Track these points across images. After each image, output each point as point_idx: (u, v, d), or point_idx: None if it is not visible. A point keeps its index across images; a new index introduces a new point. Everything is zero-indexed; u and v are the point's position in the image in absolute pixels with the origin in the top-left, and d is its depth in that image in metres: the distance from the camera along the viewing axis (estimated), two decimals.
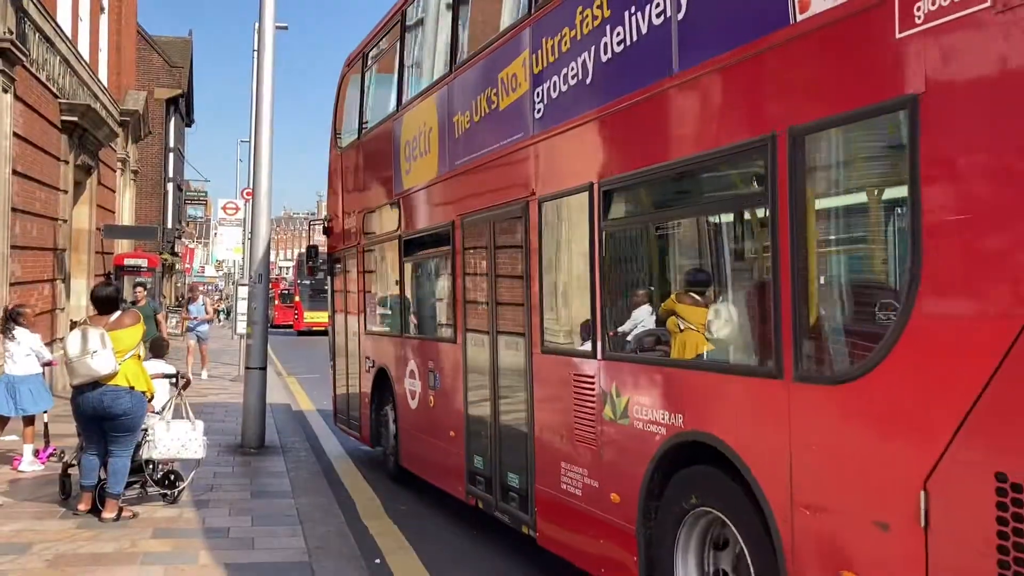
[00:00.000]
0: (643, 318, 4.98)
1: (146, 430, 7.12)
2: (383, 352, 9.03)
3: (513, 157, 6.01)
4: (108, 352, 6.54)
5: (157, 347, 8.21)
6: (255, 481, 8.20)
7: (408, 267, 8.37)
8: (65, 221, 15.22)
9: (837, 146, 3.58)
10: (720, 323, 4.41)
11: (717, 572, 4.25)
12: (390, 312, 9.03)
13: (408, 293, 8.45)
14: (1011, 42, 2.74)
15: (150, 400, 7.11)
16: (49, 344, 13.31)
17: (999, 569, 2.72)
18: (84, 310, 15.50)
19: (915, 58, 3.05)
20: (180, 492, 7.26)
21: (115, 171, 21.45)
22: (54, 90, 14.30)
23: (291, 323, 39.79)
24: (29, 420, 8.42)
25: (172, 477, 7.26)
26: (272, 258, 11.52)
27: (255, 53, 22.32)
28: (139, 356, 6.99)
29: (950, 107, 2.93)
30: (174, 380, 7.69)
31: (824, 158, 3.61)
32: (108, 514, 6.57)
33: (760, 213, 4.02)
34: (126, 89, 22.72)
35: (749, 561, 3.87)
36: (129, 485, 7.03)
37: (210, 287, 69.76)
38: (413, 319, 8.42)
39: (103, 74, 19.45)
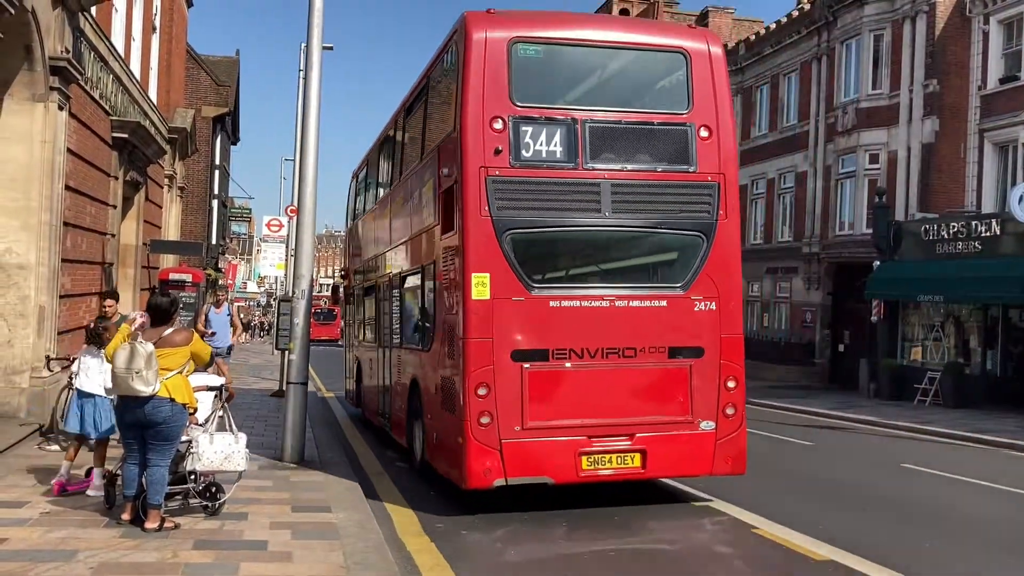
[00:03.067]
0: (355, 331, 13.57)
1: (190, 442, 7.23)
2: (359, 352, 15.46)
3: (388, 252, 12.33)
4: (151, 374, 6.64)
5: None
6: (295, 495, 8.26)
7: (365, 302, 14.90)
8: (113, 236, 15.55)
9: (431, 270, 9.36)
10: (414, 329, 10.66)
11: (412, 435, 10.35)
12: (362, 328, 15.40)
13: (367, 318, 14.76)
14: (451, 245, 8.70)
15: (192, 413, 7.20)
16: None
17: (444, 407, 8.84)
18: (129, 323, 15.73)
19: (436, 248, 9.21)
20: (222, 504, 7.34)
21: (162, 187, 21.88)
22: (106, 107, 14.64)
23: (325, 338, 45.35)
24: (101, 442, 8.10)
25: (214, 489, 7.34)
26: (312, 275, 12.06)
27: (300, 73, 22.64)
28: (183, 373, 7.00)
29: (441, 267, 9.01)
30: (217, 392, 7.79)
31: (430, 274, 9.45)
32: (151, 524, 6.67)
33: (425, 289, 9.79)
34: (175, 107, 23.21)
35: (419, 418, 9.93)
36: (172, 496, 7.13)
37: (251, 303, 70.53)
38: (368, 332, 14.56)
39: (153, 92, 19.90)
